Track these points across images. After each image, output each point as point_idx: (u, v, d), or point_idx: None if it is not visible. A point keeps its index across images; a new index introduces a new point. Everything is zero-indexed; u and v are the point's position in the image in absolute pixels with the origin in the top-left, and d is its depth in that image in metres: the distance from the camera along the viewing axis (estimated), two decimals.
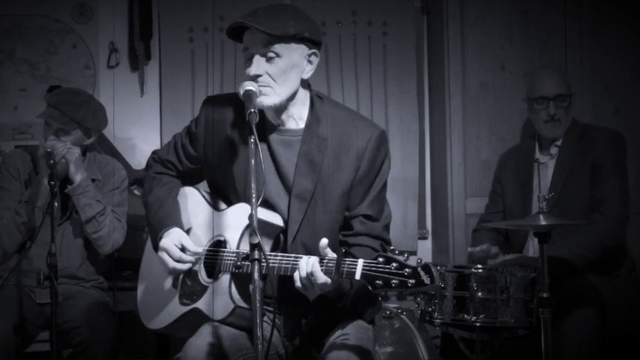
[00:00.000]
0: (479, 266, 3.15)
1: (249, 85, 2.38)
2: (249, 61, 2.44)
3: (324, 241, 2.28)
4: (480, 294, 3.06)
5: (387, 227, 2.55)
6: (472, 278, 3.08)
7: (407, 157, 4.72)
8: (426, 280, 2.15)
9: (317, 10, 4.69)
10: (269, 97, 2.42)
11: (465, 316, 3.08)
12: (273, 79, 2.42)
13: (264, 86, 2.41)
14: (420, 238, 4.78)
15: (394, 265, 2.17)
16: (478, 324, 3.07)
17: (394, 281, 2.16)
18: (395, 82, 4.73)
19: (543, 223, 2.85)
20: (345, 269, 2.21)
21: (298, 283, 2.29)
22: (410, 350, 3.31)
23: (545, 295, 2.81)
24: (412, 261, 2.19)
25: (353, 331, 2.49)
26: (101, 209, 3.44)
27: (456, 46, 4.44)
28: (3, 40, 4.54)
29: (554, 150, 3.58)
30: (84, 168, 3.47)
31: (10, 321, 3.28)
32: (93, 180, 3.50)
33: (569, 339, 3.13)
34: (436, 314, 3.13)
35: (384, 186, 2.53)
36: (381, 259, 2.18)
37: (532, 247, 3.54)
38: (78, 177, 3.42)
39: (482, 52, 4.45)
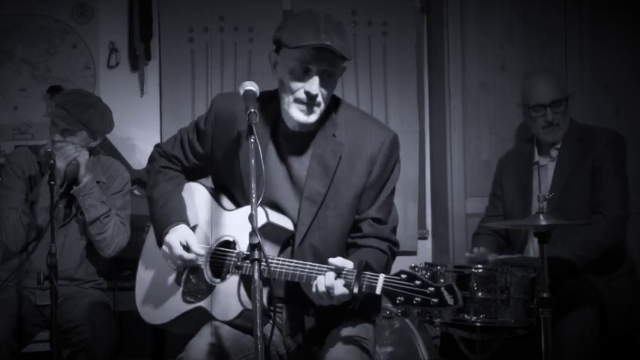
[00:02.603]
0: (479, 266, 3.16)
1: (250, 85, 2.38)
2: (301, 75, 2.39)
3: (331, 260, 2.28)
4: (480, 294, 3.07)
5: (394, 230, 2.57)
6: (472, 278, 3.08)
7: (407, 157, 4.71)
8: (450, 300, 2.16)
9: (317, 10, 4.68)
10: (316, 114, 2.42)
11: (465, 316, 3.08)
12: (323, 100, 2.42)
13: (317, 105, 2.41)
14: (420, 238, 4.77)
15: (417, 282, 2.18)
16: (478, 324, 3.08)
17: (417, 299, 2.17)
18: (395, 82, 4.72)
19: (543, 223, 2.85)
20: (365, 283, 2.22)
21: (315, 297, 2.30)
22: (410, 350, 3.31)
23: (545, 295, 2.82)
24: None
25: (354, 330, 2.49)
26: (106, 211, 3.45)
27: (455, 46, 4.44)
28: (3, 40, 4.53)
29: (554, 153, 3.58)
30: (90, 170, 3.48)
31: (7, 321, 3.28)
32: (98, 182, 3.51)
33: (569, 339, 3.13)
34: (436, 314, 3.13)
35: (393, 191, 2.57)
36: (403, 276, 2.20)
37: (532, 249, 3.54)
38: (85, 178, 3.43)
39: (482, 52, 4.45)
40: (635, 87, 4.44)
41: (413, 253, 4.66)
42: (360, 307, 2.46)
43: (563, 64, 4.40)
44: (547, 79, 3.60)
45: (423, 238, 4.80)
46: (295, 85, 2.40)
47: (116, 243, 3.49)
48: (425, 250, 4.74)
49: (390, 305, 3.51)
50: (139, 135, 4.59)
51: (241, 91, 2.38)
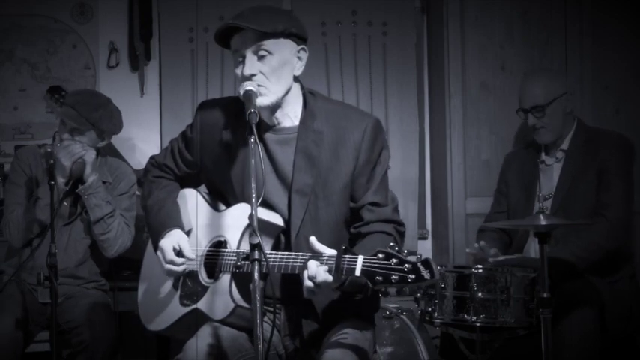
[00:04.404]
0: (479, 266, 3.15)
1: (249, 85, 2.38)
2: (240, 63, 2.44)
3: (312, 238, 2.29)
4: (480, 294, 3.06)
5: (396, 210, 2.57)
6: (472, 278, 3.08)
7: (407, 157, 4.72)
8: (426, 275, 2.17)
9: (317, 10, 4.69)
10: (266, 96, 2.42)
11: (465, 316, 3.08)
12: (267, 78, 2.42)
13: (260, 86, 2.41)
14: (420, 238, 4.78)
15: (394, 260, 2.18)
16: (478, 324, 3.07)
17: (394, 277, 2.17)
18: (395, 82, 4.73)
19: (543, 223, 2.85)
20: (345, 266, 2.22)
21: (306, 294, 2.29)
22: (410, 350, 3.31)
23: (545, 295, 2.81)
24: (412, 257, 2.21)
25: (350, 331, 2.49)
26: (110, 211, 3.46)
27: (455, 46, 4.44)
28: (3, 40, 4.53)
29: (560, 154, 3.57)
30: (97, 170, 3.48)
31: (15, 317, 3.29)
32: (104, 182, 3.52)
33: (569, 339, 3.13)
34: (436, 314, 3.13)
35: (386, 173, 2.55)
36: (380, 255, 2.19)
37: (533, 248, 3.53)
38: (91, 178, 3.43)
39: (482, 52, 4.45)
40: (635, 87, 4.44)
41: (413, 253, 4.65)
42: (357, 305, 2.46)
43: (563, 64, 4.40)
44: (532, 84, 3.56)
45: (423, 238, 4.80)
46: (239, 73, 2.43)
47: (119, 244, 3.51)
48: (425, 250, 4.74)
49: (390, 305, 3.53)
50: (139, 135, 4.59)
51: (241, 91, 2.39)
